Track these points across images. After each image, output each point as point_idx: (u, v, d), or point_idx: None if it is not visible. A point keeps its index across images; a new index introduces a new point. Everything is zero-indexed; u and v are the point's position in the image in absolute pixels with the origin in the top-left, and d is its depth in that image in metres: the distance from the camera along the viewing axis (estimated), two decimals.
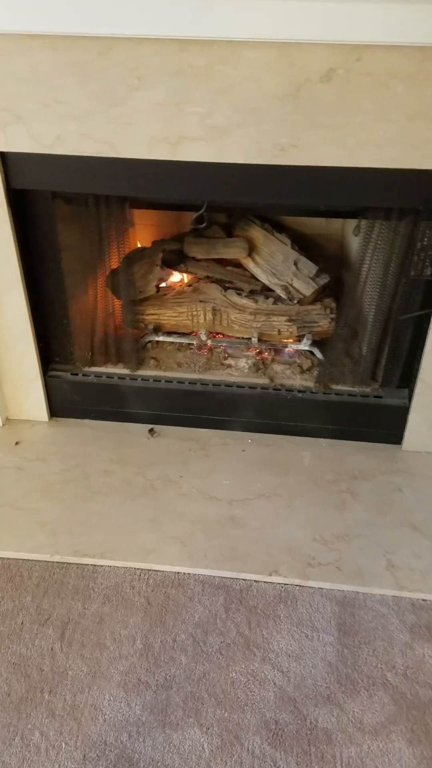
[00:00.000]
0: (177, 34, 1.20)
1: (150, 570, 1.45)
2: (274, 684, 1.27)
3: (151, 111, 1.31)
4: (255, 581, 1.44)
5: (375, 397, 1.74)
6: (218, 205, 1.64)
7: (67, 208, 1.56)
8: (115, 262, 1.67)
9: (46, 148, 1.36)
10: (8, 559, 1.47)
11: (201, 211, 1.55)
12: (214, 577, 1.44)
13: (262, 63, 1.23)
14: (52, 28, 1.22)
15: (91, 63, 1.27)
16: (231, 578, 1.44)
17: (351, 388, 1.75)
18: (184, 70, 1.26)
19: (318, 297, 1.76)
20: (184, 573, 1.45)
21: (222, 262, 1.83)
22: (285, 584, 1.43)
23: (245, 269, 1.81)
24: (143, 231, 1.86)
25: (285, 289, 1.73)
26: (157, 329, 1.86)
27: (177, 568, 1.45)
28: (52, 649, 1.31)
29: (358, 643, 1.34)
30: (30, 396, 1.81)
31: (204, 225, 1.60)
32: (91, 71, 1.28)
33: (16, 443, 1.78)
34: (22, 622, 1.35)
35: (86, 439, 1.81)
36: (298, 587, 1.43)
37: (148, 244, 1.84)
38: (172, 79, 1.27)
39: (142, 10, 1.18)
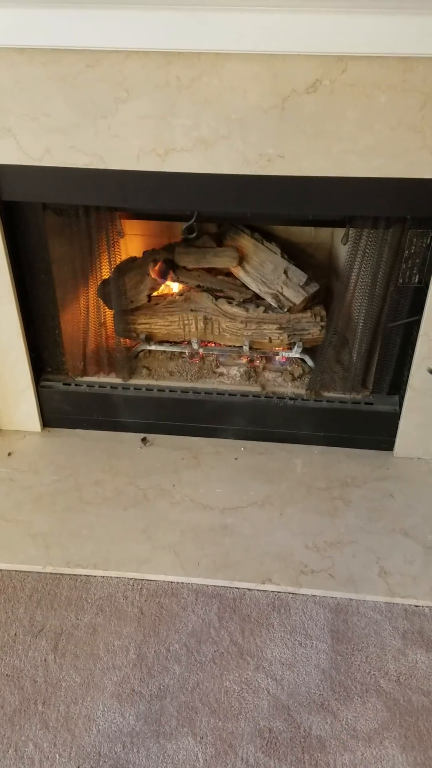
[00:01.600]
0: (163, 47, 1.22)
1: (143, 580, 1.45)
2: (268, 692, 1.27)
3: (138, 123, 1.32)
4: (248, 590, 1.44)
5: (366, 404, 1.75)
6: (208, 215, 1.65)
7: (58, 220, 1.56)
8: (106, 273, 1.68)
9: (36, 160, 1.37)
10: (0, 570, 1.47)
11: (191, 222, 1.56)
12: (207, 586, 1.44)
13: (248, 75, 1.25)
14: (38, 42, 1.23)
15: (79, 76, 1.28)
16: (224, 587, 1.44)
17: (342, 395, 1.76)
18: (171, 82, 1.27)
19: (308, 305, 1.77)
20: (178, 582, 1.45)
21: (212, 272, 1.84)
22: (278, 592, 1.43)
23: (236, 278, 1.82)
24: (134, 241, 1.87)
25: (275, 297, 1.74)
26: (149, 338, 1.86)
27: (170, 578, 1.45)
28: (45, 660, 1.31)
29: (351, 650, 1.34)
30: (22, 406, 1.82)
31: (194, 235, 1.61)
32: (79, 84, 1.29)
33: (9, 454, 1.78)
34: (15, 634, 1.35)
35: (78, 450, 1.81)
36: (291, 595, 1.43)
37: (138, 254, 1.85)
38: (158, 92, 1.28)
39: (129, 24, 1.19)
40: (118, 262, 1.68)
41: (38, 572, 1.47)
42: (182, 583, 1.45)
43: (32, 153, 1.37)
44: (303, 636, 1.36)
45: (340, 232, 1.63)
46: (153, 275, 1.77)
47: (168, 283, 1.85)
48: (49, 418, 1.86)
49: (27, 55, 1.27)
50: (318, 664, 1.32)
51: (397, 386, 1.72)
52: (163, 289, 1.87)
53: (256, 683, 1.28)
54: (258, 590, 1.44)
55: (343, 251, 1.65)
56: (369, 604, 1.42)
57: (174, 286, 1.88)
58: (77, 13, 1.19)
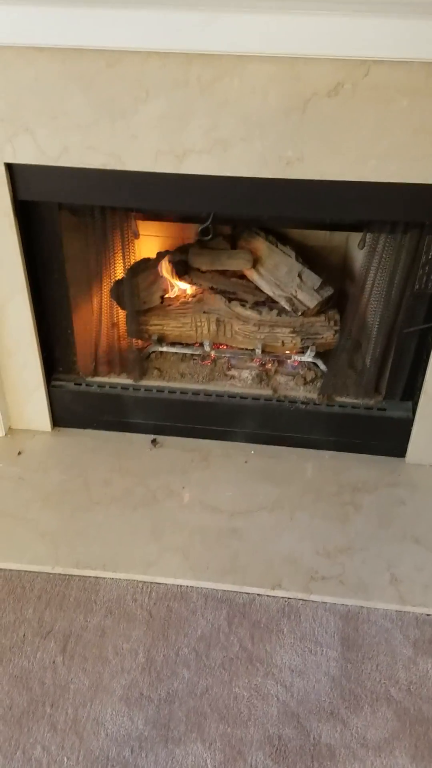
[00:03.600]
0: (184, 48, 1.21)
1: (152, 582, 1.45)
2: (278, 699, 1.26)
3: (157, 123, 1.31)
4: (258, 595, 1.43)
5: (378, 409, 1.74)
6: (224, 217, 1.64)
7: (73, 219, 1.56)
8: (119, 273, 1.67)
9: (53, 160, 1.37)
10: (9, 570, 1.46)
11: (206, 223, 1.55)
12: (216, 590, 1.44)
13: (269, 76, 1.24)
14: (59, 41, 1.22)
15: (98, 75, 1.27)
16: (234, 591, 1.43)
17: (354, 400, 1.75)
18: (191, 82, 1.26)
19: (322, 309, 1.76)
20: (187, 586, 1.44)
21: (226, 274, 1.83)
22: (288, 598, 1.42)
23: (249, 281, 1.81)
24: (148, 242, 1.86)
25: (289, 300, 1.73)
26: (161, 340, 1.86)
27: (179, 581, 1.44)
28: (53, 662, 1.30)
29: (362, 658, 1.33)
30: (33, 406, 1.81)
31: (209, 237, 1.60)
32: (98, 83, 1.28)
33: (19, 453, 1.78)
34: (23, 635, 1.34)
35: (88, 450, 1.80)
36: (301, 601, 1.42)
37: (152, 255, 1.84)
38: (178, 92, 1.27)
39: (150, 24, 1.18)
40: (131, 263, 1.68)
41: (47, 573, 1.46)
42: (191, 586, 1.44)
43: (49, 152, 1.36)
44: (313, 643, 1.35)
45: (355, 236, 1.62)
46: (165, 275, 1.76)
47: (181, 284, 1.85)
48: (59, 418, 1.86)
49: (47, 54, 1.26)
50: (328, 671, 1.31)
51: (411, 392, 1.71)
52: (176, 290, 1.86)
53: (266, 690, 1.27)
54: (268, 596, 1.43)
55: (358, 255, 1.64)
56: (380, 612, 1.41)
57: (187, 288, 1.87)
58: (98, 13, 1.18)
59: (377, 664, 1.33)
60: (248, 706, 1.25)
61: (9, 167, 1.40)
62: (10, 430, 1.85)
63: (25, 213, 1.50)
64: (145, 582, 1.45)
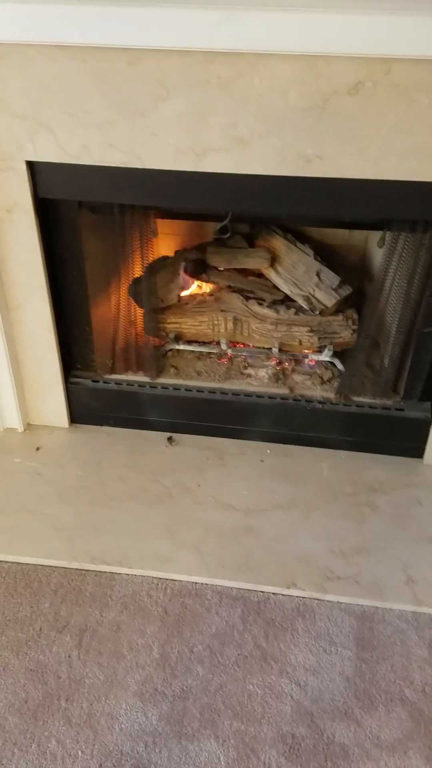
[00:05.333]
0: (204, 46, 1.21)
1: (167, 579, 1.45)
2: (291, 697, 1.26)
3: (176, 122, 1.32)
4: (273, 593, 1.43)
5: (396, 409, 1.73)
6: (242, 216, 1.64)
7: (92, 217, 1.57)
8: (138, 271, 1.68)
9: (73, 158, 1.38)
10: (27, 564, 1.48)
11: (225, 222, 1.56)
12: (231, 588, 1.44)
13: (289, 75, 1.24)
14: (81, 39, 1.23)
15: (119, 73, 1.28)
16: (248, 590, 1.44)
17: (372, 400, 1.74)
18: (211, 81, 1.26)
19: (340, 308, 1.75)
20: (201, 583, 1.44)
21: (244, 272, 1.84)
22: (303, 597, 1.42)
23: (267, 279, 1.81)
24: (166, 240, 1.87)
25: (307, 299, 1.73)
26: (178, 338, 1.86)
27: (194, 578, 1.45)
28: (69, 656, 1.31)
29: (377, 658, 1.33)
30: (51, 402, 1.83)
31: (228, 235, 1.60)
32: (119, 82, 1.29)
33: (37, 449, 1.79)
34: (40, 629, 1.35)
35: (104, 446, 1.81)
36: (316, 601, 1.42)
37: (170, 253, 1.85)
38: (198, 90, 1.28)
39: (171, 22, 1.19)
40: (150, 261, 1.68)
41: (64, 567, 1.47)
42: (206, 583, 1.45)
43: (70, 150, 1.37)
44: (328, 642, 1.35)
45: (375, 235, 1.61)
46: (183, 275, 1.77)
47: (199, 283, 1.85)
48: (76, 414, 1.87)
49: (68, 52, 1.27)
50: (342, 671, 1.31)
51: (429, 393, 1.70)
52: (193, 289, 1.86)
53: (280, 688, 1.27)
54: (283, 594, 1.43)
55: (378, 254, 1.63)
56: (395, 613, 1.41)
57: (204, 286, 1.88)
58: (120, 11, 1.19)
59: (392, 664, 1.32)
60: (262, 703, 1.25)
61: (30, 165, 1.41)
62: (28, 426, 1.87)
63: (45, 211, 1.51)
64: (160, 578, 1.45)
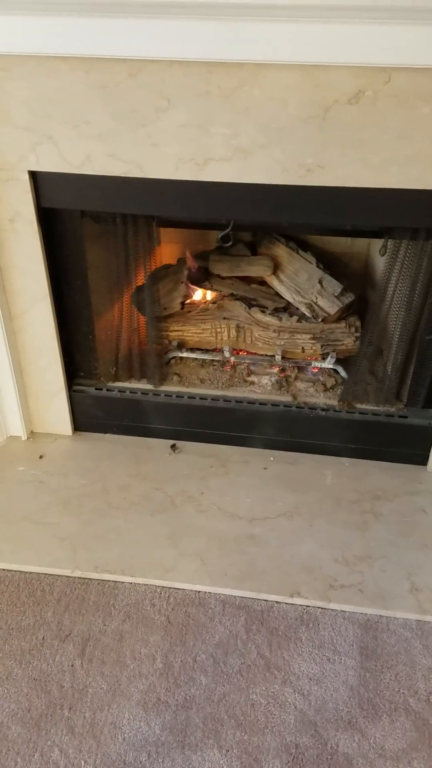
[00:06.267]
0: (206, 57, 1.22)
1: (170, 588, 1.45)
2: (295, 707, 1.25)
3: (177, 132, 1.32)
4: (276, 602, 1.42)
5: (399, 416, 1.73)
6: (244, 224, 1.64)
7: (95, 226, 1.58)
8: (140, 279, 1.68)
9: (75, 168, 1.39)
10: (30, 573, 1.48)
11: (227, 230, 1.56)
12: (234, 596, 1.43)
13: (289, 85, 1.24)
14: (82, 51, 1.24)
15: (120, 84, 1.29)
16: (251, 598, 1.43)
17: (375, 408, 1.74)
18: (212, 91, 1.27)
19: (343, 315, 1.76)
20: (204, 592, 1.44)
21: (246, 280, 1.84)
22: (307, 606, 1.42)
23: (269, 287, 1.82)
24: (168, 248, 1.87)
25: (309, 307, 1.73)
26: (181, 345, 1.87)
27: (197, 587, 1.44)
28: (72, 665, 1.31)
29: (381, 667, 1.32)
30: (54, 410, 1.83)
31: (230, 244, 1.61)
32: (120, 93, 1.30)
33: (40, 457, 1.80)
34: (43, 638, 1.35)
35: (107, 454, 1.82)
36: (320, 609, 1.41)
37: (173, 262, 1.85)
38: (199, 101, 1.29)
39: (172, 33, 1.19)
40: (152, 269, 1.69)
41: (67, 576, 1.47)
42: (209, 592, 1.44)
43: (72, 160, 1.38)
44: (331, 651, 1.34)
45: (377, 243, 1.62)
46: (185, 283, 1.77)
47: (201, 290, 1.85)
48: (79, 422, 1.87)
49: (70, 63, 1.28)
50: (346, 680, 1.30)
51: None
52: (196, 296, 1.87)
53: (283, 697, 1.27)
54: (286, 603, 1.42)
55: (380, 262, 1.63)
56: (399, 621, 1.40)
57: (207, 294, 1.88)
58: (121, 22, 1.20)
59: (396, 673, 1.31)
60: (265, 713, 1.24)
61: (33, 175, 1.43)
62: (32, 434, 1.87)
63: (48, 220, 1.52)
64: (163, 587, 1.45)
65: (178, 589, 1.45)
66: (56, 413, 1.83)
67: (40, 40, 1.24)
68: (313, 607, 1.42)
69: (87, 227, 1.56)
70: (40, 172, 1.42)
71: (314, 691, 1.28)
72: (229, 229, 1.56)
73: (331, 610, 1.41)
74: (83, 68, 1.28)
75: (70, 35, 1.22)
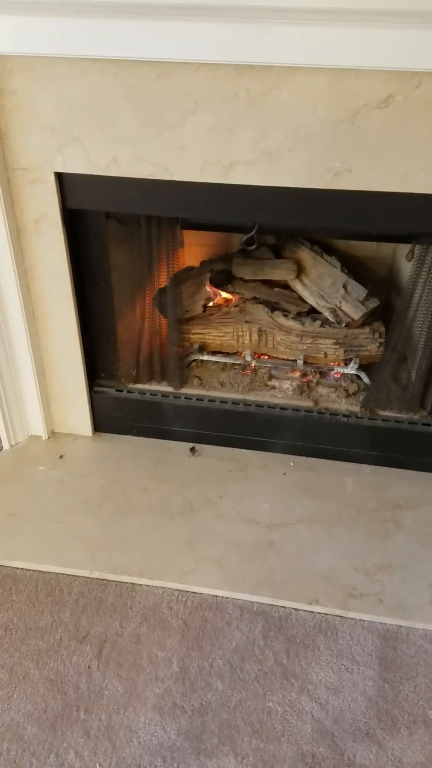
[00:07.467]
0: (234, 60, 1.21)
1: (188, 591, 1.44)
2: (312, 716, 1.24)
3: (204, 135, 1.32)
4: (294, 609, 1.41)
5: (423, 424, 1.70)
6: (269, 228, 1.64)
7: (119, 228, 1.58)
8: (163, 282, 1.68)
9: (102, 170, 1.39)
10: (49, 573, 1.48)
11: (251, 233, 1.55)
12: (252, 602, 1.42)
13: (318, 89, 1.23)
14: (111, 53, 1.24)
15: (148, 87, 1.29)
16: (269, 605, 1.42)
17: (398, 415, 1.72)
18: (240, 95, 1.26)
19: (367, 320, 1.74)
20: (222, 597, 1.43)
21: (269, 283, 1.83)
22: (325, 614, 1.40)
23: (293, 291, 1.80)
24: (191, 250, 1.87)
25: (333, 312, 1.72)
26: (202, 348, 1.86)
27: (215, 591, 1.44)
28: (89, 667, 1.31)
29: (400, 678, 1.30)
30: (75, 410, 1.84)
31: (254, 247, 1.60)
32: (148, 95, 1.29)
33: (60, 457, 1.80)
34: (60, 638, 1.35)
35: (127, 455, 1.82)
36: (338, 618, 1.40)
37: (196, 264, 1.85)
38: (226, 104, 1.28)
39: (201, 36, 1.19)
40: (175, 272, 1.68)
41: (85, 577, 1.47)
42: (227, 597, 1.43)
43: (99, 162, 1.38)
44: (350, 661, 1.33)
45: (404, 247, 1.60)
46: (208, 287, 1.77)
47: (224, 293, 1.85)
48: (100, 423, 1.88)
49: (99, 66, 1.28)
50: (364, 690, 1.28)
51: None
52: (218, 299, 1.86)
53: (300, 706, 1.26)
54: (305, 611, 1.41)
55: (406, 267, 1.61)
56: (419, 632, 1.38)
57: (229, 297, 1.87)
58: (150, 25, 1.19)
59: (415, 685, 1.29)
60: (282, 721, 1.23)
61: (59, 176, 1.43)
62: (52, 434, 1.88)
63: (72, 221, 1.52)
64: (180, 591, 1.45)
65: (195, 593, 1.44)
66: (77, 414, 1.84)
67: (68, 42, 1.24)
68: (332, 615, 1.40)
69: (111, 228, 1.56)
70: (67, 173, 1.42)
71: (332, 700, 1.27)
72: (254, 232, 1.56)
73: (350, 618, 1.40)
74: (112, 70, 1.28)
75: (100, 38, 1.22)
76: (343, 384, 1.81)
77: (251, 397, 1.80)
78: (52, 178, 1.42)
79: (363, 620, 1.40)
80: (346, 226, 1.45)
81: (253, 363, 1.85)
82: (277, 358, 1.84)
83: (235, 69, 1.24)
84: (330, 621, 1.40)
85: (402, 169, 1.29)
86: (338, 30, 1.14)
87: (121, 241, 1.61)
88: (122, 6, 1.17)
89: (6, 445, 1.83)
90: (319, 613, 1.41)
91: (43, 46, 1.25)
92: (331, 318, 1.73)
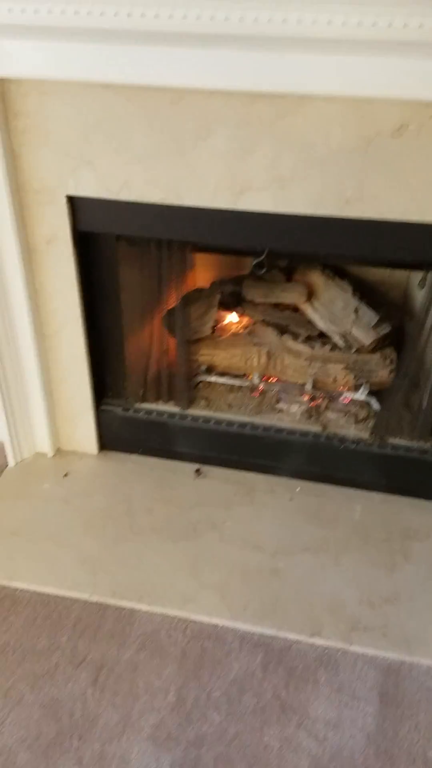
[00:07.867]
0: (248, 88, 1.21)
1: (187, 619, 1.42)
2: (309, 752, 1.21)
3: (217, 160, 1.32)
4: (296, 641, 1.39)
5: None
6: (279, 252, 1.63)
7: (130, 250, 1.58)
8: (172, 302, 1.68)
9: (113, 194, 1.39)
10: (48, 594, 1.47)
11: (261, 258, 1.55)
12: (252, 633, 1.40)
13: (332, 116, 1.22)
14: (125, 79, 1.24)
15: (161, 112, 1.29)
16: (271, 636, 1.40)
17: (408, 442, 1.69)
18: (253, 121, 1.26)
19: (378, 346, 1.72)
20: (222, 626, 1.41)
21: (279, 306, 1.82)
22: (327, 647, 1.38)
23: (303, 314, 1.79)
24: (202, 272, 1.87)
25: (343, 336, 1.70)
26: (210, 369, 1.85)
27: (215, 620, 1.42)
28: (84, 693, 1.29)
29: (400, 716, 1.27)
30: (81, 428, 1.83)
31: (264, 270, 1.60)
32: (161, 120, 1.29)
33: (65, 475, 1.80)
34: (56, 663, 1.34)
35: (132, 475, 1.80)
36: (340, 651, 1.37)
37: (206, 285, 1.84)
38: (240, 130, 1.27)
39: (215, 63, 1.19)
40: (185, 293, 1.68)
41: (84, 600, 1.46)
42: (227, 627, 1.41)
43: (111, 186, 1.38)
44: (350, 696, 1.30)
45: (417, 273, 1.58)
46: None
47: (234, 316, 1.84)
48: (106, 442, 1.87)
49: (113, 90, 1.28)
50: (363, 727, 1.25)
51: None
52: (228, 321, 1.85)
53: (297, 741, 1.23)
54: (306, 642, 1.38)
55: (419, 293, 1.59)
56: (422, 668, 1.35)
57: (239, 319, 1.87)
58: (164, 51, 1.19)
59: (416, 723, 1.26)
60: (278, 757, 1.21)
61: (70, 199, 1.43)
62: (58, 451, 1.88)
63: (83, 243, 1.52)
64: (180, 618, 1.43)
65: (195, 621, 1.42)
66: (83, 432, 1.84)
67: (83, 66, 1.24)
68: (334, 648, 1.38)
69: (121, 250, 1.56)
70: (78, 197, 1.42)
71: (330, 736, 1.24)
72: (264, 256, 1.55)
73: (353, 652, 1.37)
74: (126, 95, 1.28)
75: (114, 62, 1.22)
76: (353, 409, 1.79)
77: (259, 419, 1.79)
78: (64, 201, 1.43)
79: (365, 654, 1.37)
80: (358, 253, 1.43)
81: (261, 385, 1.84)
82: (285, 381, 1.82)
83: (249, 96, 1.23)
84: (332, 654, 1.37)
85: (415, 197, 1.28)
86: (352, 59, 1.13)
87: (131, 261, 1.60)
88: (137, 33, 1.17)
89: (12, 462, 1.83)
90: (320, 645, 1.38)
91: (57, 70, 1.25)
92: (340, 343, 1.71)
